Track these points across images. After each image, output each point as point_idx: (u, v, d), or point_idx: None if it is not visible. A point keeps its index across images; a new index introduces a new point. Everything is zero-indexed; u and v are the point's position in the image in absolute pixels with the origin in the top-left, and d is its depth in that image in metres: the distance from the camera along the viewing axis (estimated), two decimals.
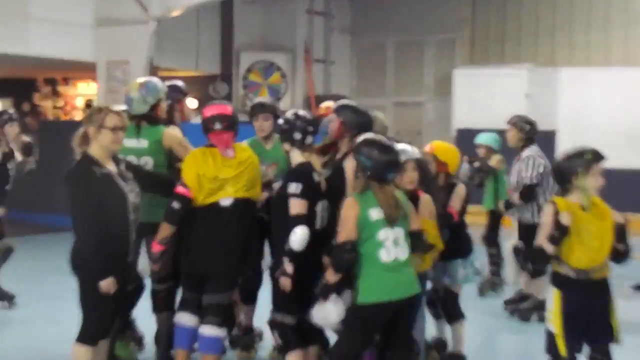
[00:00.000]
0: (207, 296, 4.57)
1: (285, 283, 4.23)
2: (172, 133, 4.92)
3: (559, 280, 4.07)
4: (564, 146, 12.78)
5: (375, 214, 3.99)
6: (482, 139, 8.13)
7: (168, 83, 5.23)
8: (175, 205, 4.45)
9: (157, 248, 4.53)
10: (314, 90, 15.32)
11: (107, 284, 4.05)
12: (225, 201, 4.51)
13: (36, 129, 12.35)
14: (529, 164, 6.74)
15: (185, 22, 13.89)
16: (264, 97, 5.74)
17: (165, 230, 4.50)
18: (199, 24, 14.26)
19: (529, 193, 6.64)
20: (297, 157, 4.46)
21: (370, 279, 3.96)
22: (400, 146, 4.48)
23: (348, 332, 4.02)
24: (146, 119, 4.89)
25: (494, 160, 8.02)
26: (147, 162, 4.85)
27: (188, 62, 14.20)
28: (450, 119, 14.71)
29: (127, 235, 4.20)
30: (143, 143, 4.86)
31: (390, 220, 3.97)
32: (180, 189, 4.48)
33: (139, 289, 4.90)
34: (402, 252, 4.02)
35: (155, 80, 5.03)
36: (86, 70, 13.17)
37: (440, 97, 15.64)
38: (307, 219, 4.25)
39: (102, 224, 4.02)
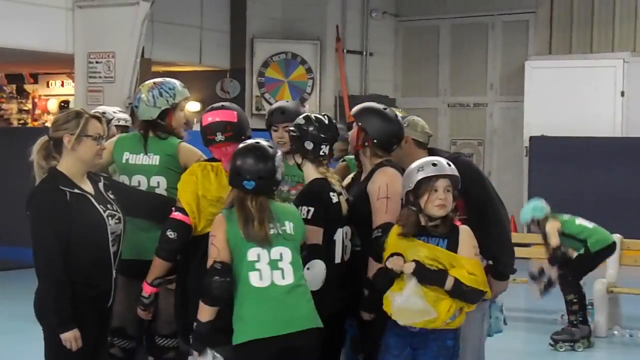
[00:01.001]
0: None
1: None
2: (190, 148, 4.92)
3: None
4: None
5: None
6: (522, 219, 8.40)
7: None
8: (171, 234, 4.40)
9: (147, 290, 4.49)
10: (348, 89, 15.25)
11: (69, 337, 3.99)
12: None
13: None
14: None
15: (186, 4, 13.91)
16: (285, 101, 5.65)
17: (158, 267, 4.46)
18: (202, 6, 14.29)
19: None
20: (311, 172, 4.45)
21: (244, 311, 4.00)
22: (427, 160, 4.35)
23: None
24: (154, 128, 4.89)
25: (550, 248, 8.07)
26: (159, 182, 4.84)
27: (189, 54, 14.24)
28: (521, 125, 14.57)
29: (106, 273, 4.15)
30: (154, 159, 4.84)
31: (255, 240, 4.01)
32: (176, 215, 4.43)
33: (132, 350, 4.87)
34: (282, 277, 4.04)
35: (174, 82, 5.05)
36: (60, 64, 13.21)
37: (508, 97, 15.51)
38: (323, 250, 4.28)
39: (70, 259, 3.99)
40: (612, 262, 8.71)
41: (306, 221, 4.23)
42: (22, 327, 6.30)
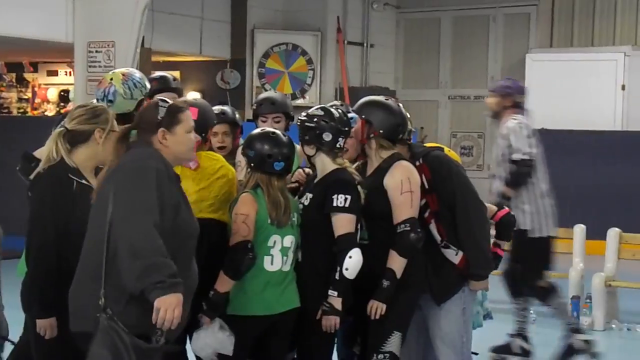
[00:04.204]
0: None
1: (331, 323, 4.41)
2: None
3: None
4: None
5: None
6: None
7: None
8: None
9: None
10: (348, 80, 15.23)
11: (44, 324, 3.99)
12: None
13: None
14: (520, 133, 6.74)
15: None
16: (273, 92, 5.68)
17: None
18: None
19: (523, 172, 6.61)
20: (328, 162, 4.51)
21: (251, 288, 4.33)
22: None
23: None
24: (128, 120, 4.84)
25: None
26: None
27: (190, 44, 14.21)
28: None
29: None
30: None
31: (278, 224, 4.34)
32: None
33: None
34: (285, 263, 4.41)
35: (137, 72, 5.11)
36: (60, 53, 13.19)
37: None
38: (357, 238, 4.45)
39: (64, 250, 3.96)
40: (610, 255, 8.72)
41: (343, 209, 4.37)
42: (13, 317, 6.33)
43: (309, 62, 15.17)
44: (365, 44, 15.90)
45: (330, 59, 15.29)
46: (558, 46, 15.15)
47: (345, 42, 15.47)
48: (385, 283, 4.44)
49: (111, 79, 4.94)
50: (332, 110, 4.57)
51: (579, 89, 13.86)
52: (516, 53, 15.29)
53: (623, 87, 13.90)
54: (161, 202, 3.53)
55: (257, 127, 5.06)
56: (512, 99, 6.95)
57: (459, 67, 16.03)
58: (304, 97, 14.93)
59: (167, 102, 3.88)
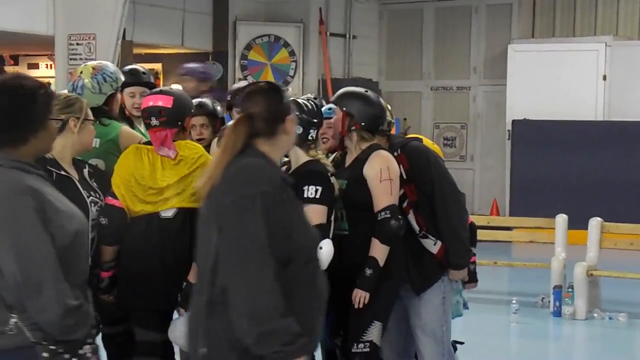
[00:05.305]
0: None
1: None
2: (130, 132, 4.92)
3: None
4: None
5: None
6: None
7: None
8: (102, 220, 4.37)
9: (103, 275, 4.50)
10: (331, 72, 15.25)
11: None
12: (167, 212, 4.48)
13: None
14: None
15: None
16: (245, 82, 5.65)
17: (104, 252, 4.45)
18: None
19: None
20: (301, 155, 4.51)
21: None
22: None
23: None
24: (97, 114, 4.82)
25: None
26: (97, 165, 4.79)
27: (171, 36, 14.19)
28: (504, 109, 14.62)
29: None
30: (94, 142, 4.78)
31: None
32: (108, 199, 4.43)
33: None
34: None
35: (112, 65, 5.06)
36: (41, 45, 13.15)
37: (491, 81, 15.55)
38: (329, 229, 4.40)
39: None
40: (592, 245, 8.78)
41: (314, 200, 4.32)
42: None
43: (292, 53, 15.18)
44: (348, 36, 15.91)
45: (312, 51, 15.30)
46: (540, 37, 15.21)
47: (328, 33, 15.48)
48: (368, 271, 4.46)
49: (81, 72, 4.90)
50: (302, 102, 4.55)
51: (560, 79, 13.93)
52: (498, 44, 15.34)
53: (604, 78, 13.98)
54: (271, 234, 3.04)
55: (231, 118, 5.03)
56: (209, 83, 6.89)
57: (441, 58, 16.07)
58: (286, 89, 14.90)
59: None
